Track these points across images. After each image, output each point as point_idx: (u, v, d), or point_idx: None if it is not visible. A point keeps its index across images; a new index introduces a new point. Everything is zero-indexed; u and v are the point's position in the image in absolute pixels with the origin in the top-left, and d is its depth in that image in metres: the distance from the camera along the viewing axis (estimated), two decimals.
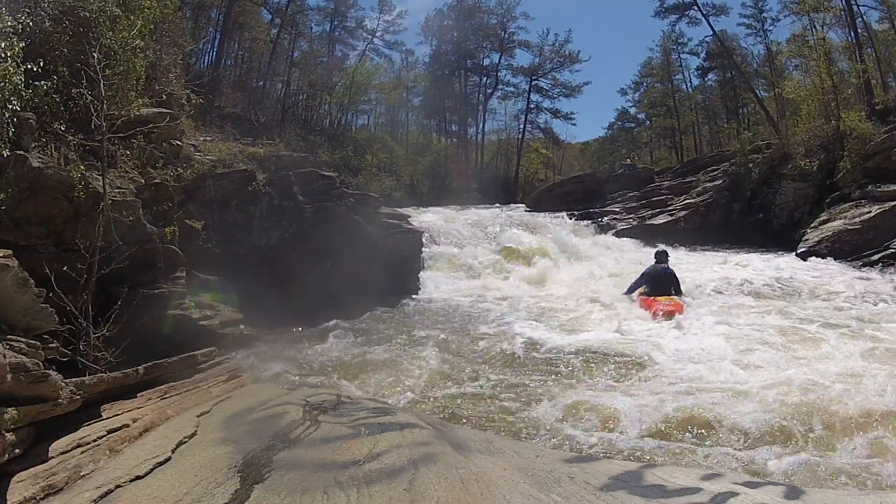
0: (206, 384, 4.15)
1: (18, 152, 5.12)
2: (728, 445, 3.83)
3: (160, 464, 2.76)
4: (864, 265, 11.67)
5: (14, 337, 2.70)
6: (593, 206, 19.95)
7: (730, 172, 18.07)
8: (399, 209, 13.11)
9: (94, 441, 2.90)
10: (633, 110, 38.64)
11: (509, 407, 4.81)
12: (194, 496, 2.40)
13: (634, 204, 19.26)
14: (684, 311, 7.87)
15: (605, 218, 18.40)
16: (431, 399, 5.18)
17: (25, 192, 5.19)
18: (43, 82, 5.51)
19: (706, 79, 33.16)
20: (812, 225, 14.20)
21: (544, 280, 11.40)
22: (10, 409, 2.44)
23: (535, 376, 5.62)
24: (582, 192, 21.82)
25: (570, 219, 17.87)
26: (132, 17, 6.77)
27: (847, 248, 12.58)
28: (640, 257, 12.85)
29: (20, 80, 5.02)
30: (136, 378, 3.60)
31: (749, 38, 30.31)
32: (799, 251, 13.36)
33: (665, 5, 30.29)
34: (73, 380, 3.00)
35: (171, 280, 6.42)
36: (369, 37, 33.65)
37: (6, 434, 2.42)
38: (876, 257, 11.81)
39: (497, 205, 23.07)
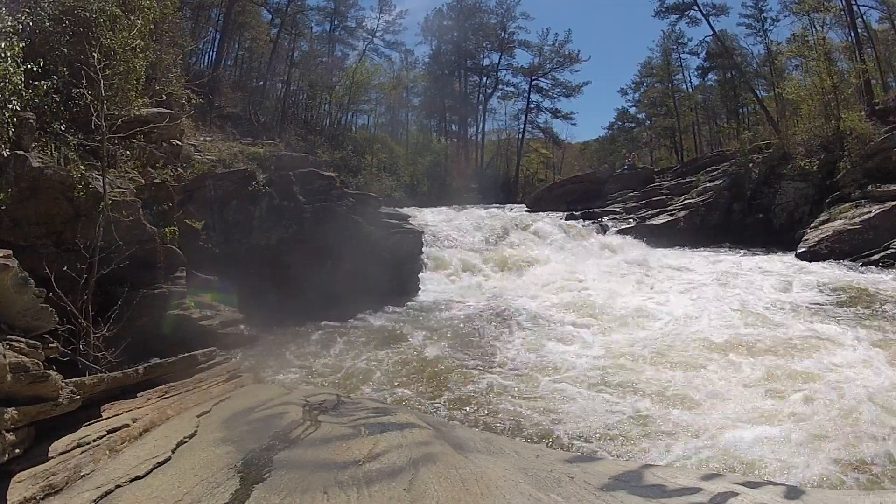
0: (206, 384, 4.15)
1: (18, 152, 5.12)
2: None
3: (160, 464, 2.76)
4: (864, 265, 11.68)
5: (14, 337, 2.69)
6: (593, 205, 19.96)
7: (730, 172, 18.08)
8: (399, 209, 13.12)
9: (94, 441, 2.89)
10: (633, 110, 38.79)
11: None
12: (194, 496, 2.40)
13: (634, 204, 19.26)
14: None
15: (605, 218, 18.40)
16: (426, 399, 5.19)
17: (25, 192, 5.19)
18: (43, 82, 5.52)
19: (706, 79, 33.27)
20: (812, 225, 14.19)
21: (546, 282, 11.38)
22: (10, 409, 2.44)
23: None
24: (582, 192, 21.84)
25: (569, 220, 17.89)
26: (132, 17, 6.78)
27: (847, 248, 12.58)
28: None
29: (20, 80, 5.02)
30: (136, 378, 3.60)
31: (749, 38, 30.41)
32: (799, 251, 13.36)
33: (665, 5, 30.36)
34: (73, 380, 3.00)
35: (171, 280, 6.43)
36: (369, 37, 33.76)
37: (6, 434, 2.41)
38: (876, 257, 11.82)
39: (497, 205, 23.08)
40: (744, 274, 11.24)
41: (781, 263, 12.26)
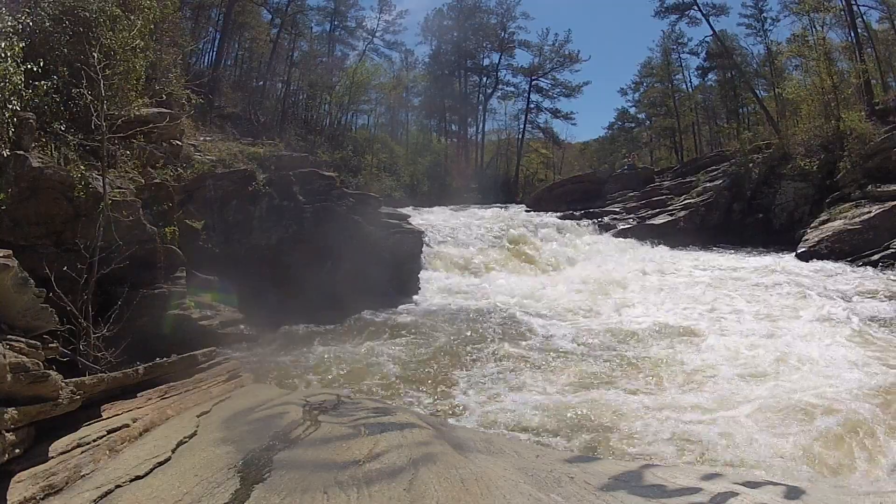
0: (206, 384, 4.15)
1: (18, 152, 5.12)
2: None
3: (160, 464, 2.76)
4: (864, 265, 11.68)
5: (14, 337, 2.69)
6: (593, 205, 19.98)
7: (730, 172, 18.09)
8: (399, 209, 13.11)
9: (94, 441, 2.89)
10: (633, 110, 38.80)
11: None
12: (194, 496, 2.40)
13: (634, 204, 19.28)
14: None
15: (606, 218, 18.41)
16: (424, 400, 5.19)
17: (25, 192, 5.19)
18: (43, 82, 5.52)
19: (706, 79, 33.28)
20: (812, 225, 14.21)
21: (546, 280, 11.35)
22: (10, 409, 2.44)
23: None
24: (582, 192, 21.86)
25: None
26: (132, 17, 6.78)
27: (847, 248, 12.59)
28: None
29: (20, 80, 5.02)
30: (136, 378, 3.60)
31: (749, 38, 30.44)
32: (799, 251, 13.36)
33: (665, 5, 30.38)
34: (73, 380, 2.99)
35: (171, 280, 6.43)
36: (369, 37, 33.78)
37: (6, 434, 2.41)
38: (876, 257, 11.82)
39: (497, 205, 23.08)
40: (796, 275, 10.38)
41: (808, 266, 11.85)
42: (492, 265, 12.13)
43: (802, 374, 5.45)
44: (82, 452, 2.77)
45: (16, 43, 5.06)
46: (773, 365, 5.74)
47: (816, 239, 13.38)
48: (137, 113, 6.82)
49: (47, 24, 6.05)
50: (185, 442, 3.07)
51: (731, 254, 14.15)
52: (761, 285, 10.06)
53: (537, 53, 36.64)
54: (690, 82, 33.84)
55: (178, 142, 8.82)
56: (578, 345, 6.87)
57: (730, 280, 10.66)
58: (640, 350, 6.58)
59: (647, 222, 17.69)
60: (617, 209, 19.30)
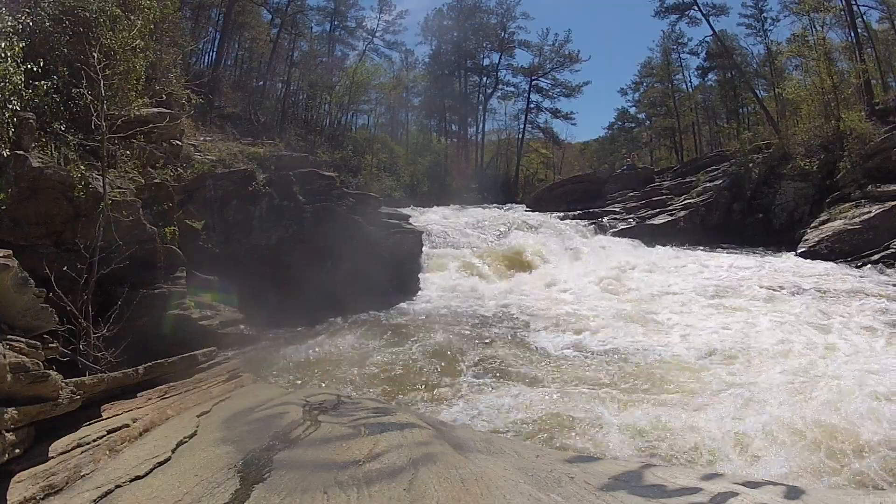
0: (206, 384, 4.15)
1: (18, 152, 5.12)
2: None
3: (160, 464, 2.76)
4: (864, 265, 11.68)
5: (14, 337, 2.69)
6: (593, 205, 20.00)
7: (730, 172, 18.10)
8: (399, 209, 13.11)
9: (94, 441, 2.89)
10: (633, 110, 38.83)
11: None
12: (194, 496, 2.40)
13: (634, 204, 19.30)
14: None
15: (605, 218, 18.43)
16: (423, 402, 5.19)
17: (25, 192, 5.19)
18: (43, 82, 5.51)
19: (706, 79, 33.30)
20: (812, 225, 14.22)
21: (547, 283, 11.29)
22: (10, 409, 2.44)
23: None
24: (582, 191, 21.89)
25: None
26: (132, 17, 6.78)
27: (847, 248, 12.60)
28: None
29: (20, 80, 5.02)
30: (136, 378, 3.60)
31: (749, 38, 30.46)
32: (799, 251, 13.37)
33: (665, 5, 30.40)
34: (73, 380, 3.00)
35: (171, 280, 6.42)
36: (369, 37, 33.81)
37: (6, 434, 2.41)
38: (876, 257, 11.83)
39: (497, 205, 23.10)
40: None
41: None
42: (493, 267, 12.10)
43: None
44: (82, 452, 2.77)
45: (16, 43, 5.06)
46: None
47: (816, 239, 13.39)
48: (137, 113, 6.81)
49: (47, 24, 6.04)
50: (185, 442, 3.07)
51: (743, 255, 13.81)
52: (798, 288, 9.48)
53: (537, 53, 36.76)
54: (690, 82, 33.94)
55: (178, 142, 8.82)
56: (583, 357, 6.44)
57: (763, 287, 9.78)
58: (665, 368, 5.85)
59: (647, 222, 17.71)
60: (617, 209, 19.32)
